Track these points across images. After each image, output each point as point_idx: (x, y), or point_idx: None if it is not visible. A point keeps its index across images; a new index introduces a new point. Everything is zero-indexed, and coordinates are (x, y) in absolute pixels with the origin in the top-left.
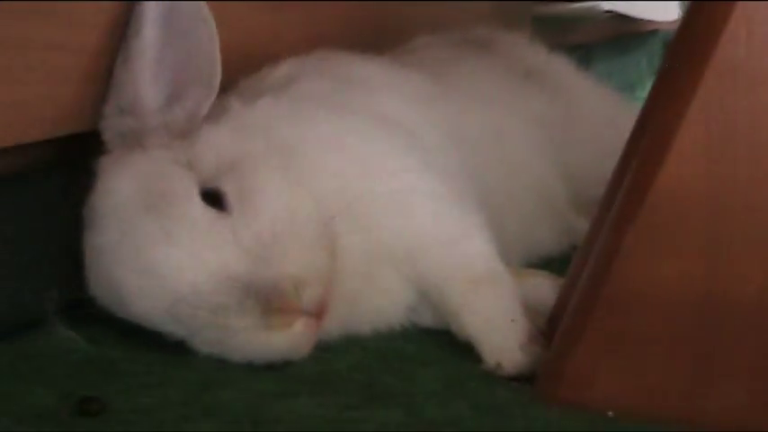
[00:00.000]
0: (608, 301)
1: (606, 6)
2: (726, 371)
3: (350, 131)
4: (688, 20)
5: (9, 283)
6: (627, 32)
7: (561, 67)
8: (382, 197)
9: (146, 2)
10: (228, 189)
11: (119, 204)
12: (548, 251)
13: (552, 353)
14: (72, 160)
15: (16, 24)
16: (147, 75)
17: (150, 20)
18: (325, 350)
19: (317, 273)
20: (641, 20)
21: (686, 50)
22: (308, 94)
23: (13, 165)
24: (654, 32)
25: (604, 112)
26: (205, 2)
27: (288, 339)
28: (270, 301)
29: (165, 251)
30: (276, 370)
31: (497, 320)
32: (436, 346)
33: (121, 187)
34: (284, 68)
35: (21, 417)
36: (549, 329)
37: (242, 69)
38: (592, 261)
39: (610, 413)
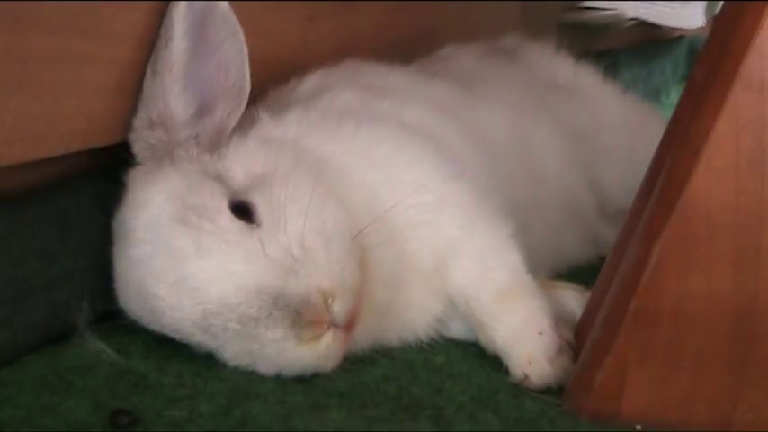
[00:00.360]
0: (637, 314)
1: (631, 14)
2: (755, 384)
3: (379, 143)
4: (716, 34)
5: (41, 296)
6: (652, 39)
7: (588, 78)
8: (411, 210)
9: (175, 14)
10: (258, 201)
11: (150, 217)
12: (575, 260)
13: (580, 365)
14: (103, 171)
15: (48, 38)
16: (176, 87)
17: (179, 32)
18: (354, 362)
19: (346, 285)
20: (667, 27)
21: (715, 64)
22: (338, 105)
23: (44, 176)
24: (679, 39)
25: (631, 121)
26: (234, 13)
27: (317, 351)
28: (299, 314)
29: (196, 264)
30: (306, 382)
31: (525, 332)
32: (464, 357)
33: (152, 200)
34: (313, 79)
35: (51, 430)
36: (577, 341)
37: (272, 79)
38: (620, 274)
39: (638, 426)
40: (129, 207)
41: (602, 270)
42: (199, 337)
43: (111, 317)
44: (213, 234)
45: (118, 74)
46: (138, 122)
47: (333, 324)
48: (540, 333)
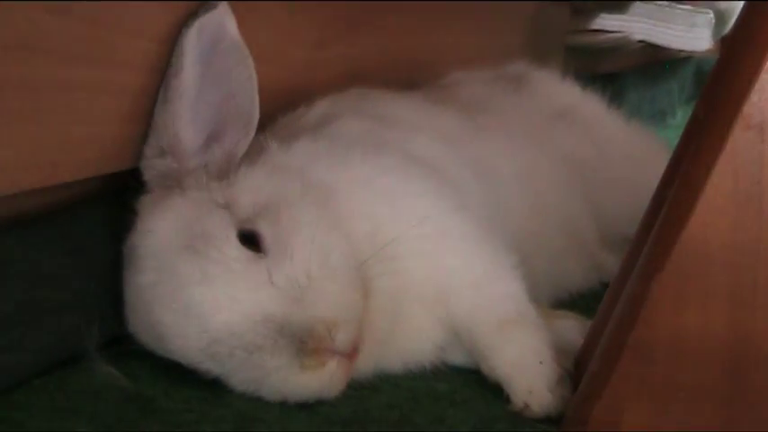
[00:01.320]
0: (634, 348)
1: (639, 36)
2: (747, 418)
3: (384, 173)
4: (718, 73)
5: (52, 319)
6: (659, 60)
7: (593, 106)
8: (414, 241)
9: (185, 42)
10: (265, 231)
11: (158, 245)
12: (577, 287)
13: (579, 396)
14: (114, 195)
15: (61, 69)
16: (186, 115)
17: (190, 61)
18: (357, 389)
19: (349, 315)
20: (673, 49)
21: (716, 103)
22: (345, 134)
23: (55, 200)
24: (686, 59)
25: (635, 151)
26: (243, 40)
27: (321, 379)
28: (304, 342)
29: (202, 291)
30: (309, 409)
31: (526, 362)
32: (466, 385)
33: (160, 228)
34: (321, 107)
35: None
36: (577, 372)
37: (279, 106)
38: (619, 307)
39: None
40: (137, 234)
41: (603, 301)
42: (205, 364)
43: (121, 341)
44: (219, 262)
45: (128, 101)
46: (149, 150)
47: (336, 352)
48: (541, 363)
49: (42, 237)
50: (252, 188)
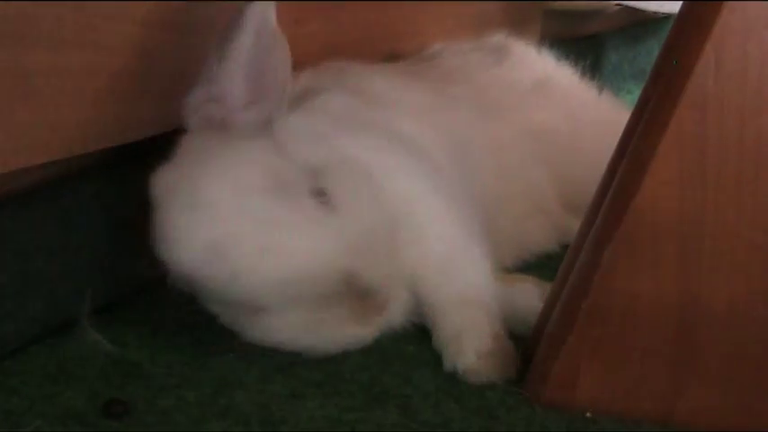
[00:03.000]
0: (589, 312)
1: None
2: (696, 377)
3: (365, 151)
4: (665, 53)
5: (44, 290)
6: (640, 21)
7: (566, 79)
8: (400, 220)
9: (249, 13)
10: (333, 189)
11: (237, 186)
12: (540, 249)
13: (539, 356)
14: (103, 169)
15: (49, 54)
16: (239, 74)
17: (250, 29)
18: None
19: (390, 278)
20: (652, 11)
21: (663, 81)
22: (330, 110)
23: (46, 176)
24: (666, 19)
25: (605, 121)
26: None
27: (370, 332)
28: (363, 298)
29: (284, 235)
30: (285, 372)
31: (463, 331)
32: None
33: (238, 170)
34: (301, 81)
35: (51, 418)
36: (537, 333)
37: None
38: (575, 274)
39: (588, 414)
40: (204, 173)
41: (561, 267)
42: (264, 302)
43: (109, 309)
44: (300, 211)
45: (113, 83)
46: (197, 96)
47: (383, 311)
48: (478, 334)
49: (34, 211)
50: (302, 150)
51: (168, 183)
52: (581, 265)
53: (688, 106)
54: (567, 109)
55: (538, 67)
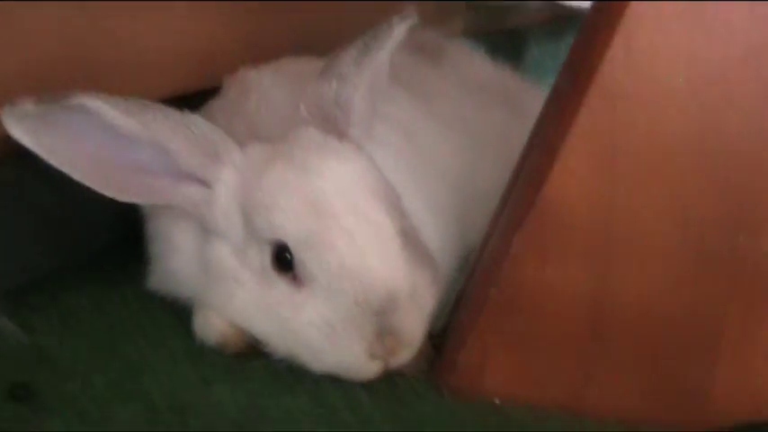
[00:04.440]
0: (497, 301)
1: None
2: (603, 366)
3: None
4: (577, 44)
5: None
6: (563, 15)
7: (509, 80)
8: None
9: (398, 27)
10: None
11: (342, 187)
12: None
13: (449, 344)
14: (17, 158)
15: None
16: (365, 88)
17: (389, 46)
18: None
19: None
20: (575, 6)
21: (574, 72)
22: None
23: None
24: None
25: None
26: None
27: (372, 369)
28: (394, 337)
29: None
30: (195, 357)
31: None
32: None
33: (343, 171)
34: (265, 81)
35: None
36: (448, 323)
37: (190, 77)
38: (484, 262)
39: (497, 401)
40: (313, 168)
41: (474, 256)
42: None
43: (18, 294)
44: (383, 233)
45: (31, 68)
46: (324, 94)
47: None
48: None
49: None
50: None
51: (289, 182)
52: (491, 253)
53: (598, 97)
54: (517, 107)
55: (478, 68)
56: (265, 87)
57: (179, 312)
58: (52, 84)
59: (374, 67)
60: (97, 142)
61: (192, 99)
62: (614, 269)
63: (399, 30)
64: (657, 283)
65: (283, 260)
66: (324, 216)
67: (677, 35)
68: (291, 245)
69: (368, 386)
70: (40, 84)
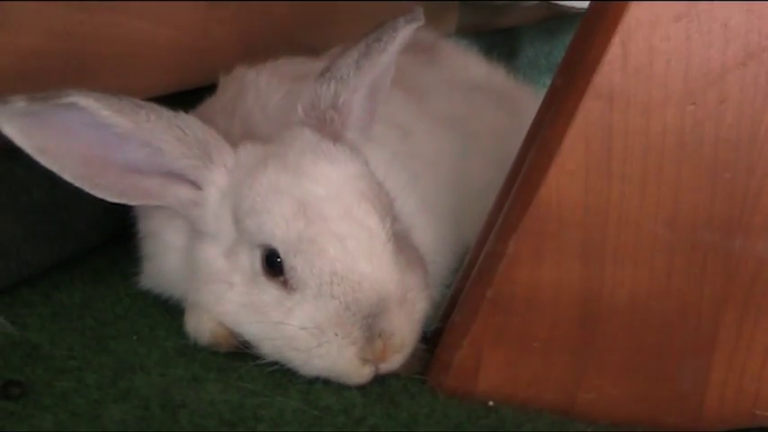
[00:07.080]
0: (492, 301)
1: None
2: (597, 366)
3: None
4: (574, 45)
5: None
6: (556, 15)
7: (502, 80)
8: None
9: (402, 34)
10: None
11: (337, 192)
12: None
13: (443, 344)
14: (12, 151)
15: None
16: (364, 92)
17: (393, 50)
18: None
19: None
20: (568, 6)
21: (571, 74)
22: None
23: None
24: (582, 14)
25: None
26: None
27: (363, 374)
28: (384, 341)
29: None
30: (187, 356)
31: None
32: None
33: (337, 175)
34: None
35: None
36: (442, 323)
37: (173, 64)
38: (479, 263)
39: (490, 402)
40: (305, 172)
41: (468, 256)
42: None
43: (11, 291)
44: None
45: (21, 61)
46: (320, 95)
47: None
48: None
49: None
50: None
51: (280, 185)
52: (486, 254)
53: (595, 98)
54: (510, 107)
55: (471, 68)
56: (262, 87)
57: (172, 311)
58: (44, 78)
59: (376, 70)
60: (88, 141)
61: (187, 96)
62: (608, 270)
63: (404, 32)
64: (652, 285)
65: (274, 264)
66: (315, 221)
67: (674, 37)
68: (281, 250)
69: (361, 387)
70: (31, 78)
